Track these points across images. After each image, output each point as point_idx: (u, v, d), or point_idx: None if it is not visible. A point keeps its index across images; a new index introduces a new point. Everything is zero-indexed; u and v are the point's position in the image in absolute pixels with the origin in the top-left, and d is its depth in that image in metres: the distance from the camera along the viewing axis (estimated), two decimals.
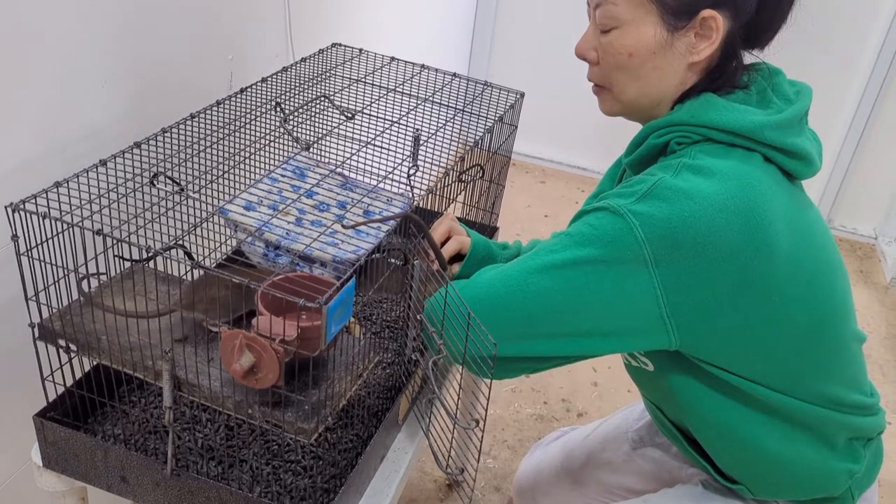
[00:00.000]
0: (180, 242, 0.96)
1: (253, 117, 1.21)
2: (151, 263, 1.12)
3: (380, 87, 1.38)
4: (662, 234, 0.86)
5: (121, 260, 1.01)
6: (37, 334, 0.97)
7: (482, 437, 0.97)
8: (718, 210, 0.86)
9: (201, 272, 1.00)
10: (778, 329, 0.94)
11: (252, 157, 1.20)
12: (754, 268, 0.88)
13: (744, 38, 0.96)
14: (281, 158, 1.32)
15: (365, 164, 1.33)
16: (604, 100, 1.03)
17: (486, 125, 1.34)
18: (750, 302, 0.91)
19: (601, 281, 0.89)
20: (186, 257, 1.00)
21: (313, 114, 1.36)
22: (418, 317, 1.01)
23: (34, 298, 0.93)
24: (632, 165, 1.03)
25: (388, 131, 1.27)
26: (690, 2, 0.91)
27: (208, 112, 1.17)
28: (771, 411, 1.00)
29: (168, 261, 0.90)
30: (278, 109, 1.25)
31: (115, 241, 0.88)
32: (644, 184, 0.89)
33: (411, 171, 1.30)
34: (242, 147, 1.17)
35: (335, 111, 1.29)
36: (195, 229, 0.98)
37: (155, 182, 1.03)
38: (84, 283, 0.97)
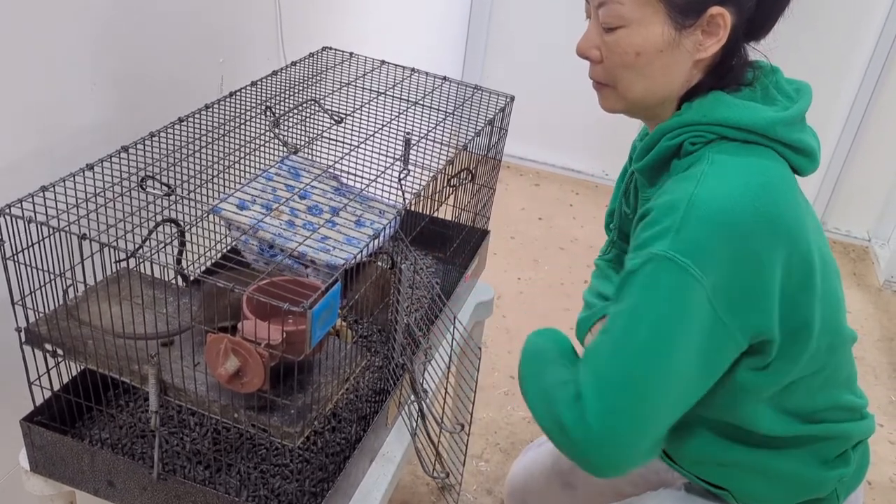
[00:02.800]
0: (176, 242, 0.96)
1: (242, 121, 1.21)
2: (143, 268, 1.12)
3: (370, 90, 1.38)
4: (714, 259, 0.85)
5: (114, 263, 1.01)
6: (23, 339, 0.97)
7: (468, 440, 0.97)
8: (753, 213, 0.86)
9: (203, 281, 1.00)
10: (807, 329, 0.95)
11: (241, 161, 1.20)
12: (793, 264, 0.90)
13: (744, 33, 0.96)
14: (270, 162, 1.32)
15: (355, 166, 1.33)
16: (606, 97, 1.01)
17: (475, 128, 1.34)
18: (796, 304, 0.92)
19: (690, 331, 0.87)
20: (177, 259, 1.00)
21: (303, 117, 1.36)
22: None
23: (20, 303, 0.93)
24: (643, 171, 1.02)
25: (377, 134, 1.27)
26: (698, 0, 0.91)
27: (197, 115, 1.17)
28: (766, 443, 1.01)
29: (158, 267, 0.90)
30: (268, 113, 1.26)
31: (101, 246, 0.88)
32: (675, 211, 0.87)
33: (402, 175, 1.30)
34: (231, 151, 1.17)
35: (324, 115, 1.29)
36: (189, 228, 0.98)
37: (144, 186, 1.03)
38: (69, 289, 0.97)
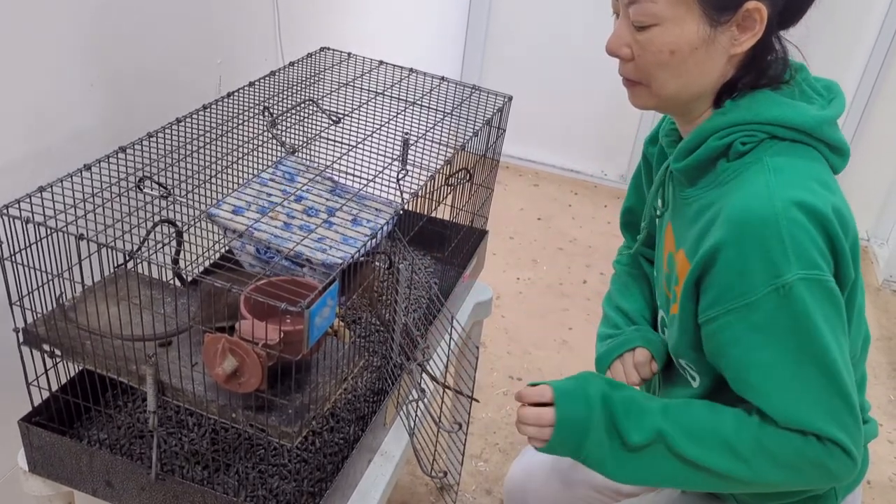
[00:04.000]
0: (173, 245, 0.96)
1: (240, 121, 1.21)
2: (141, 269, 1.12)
3: (368, 90, 1.38)
4: (825, 256, 0.88)
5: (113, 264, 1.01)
6: (21, 339, 0.97)
7: (465, 440, 0.97)
8: (828, 210, 0.88)
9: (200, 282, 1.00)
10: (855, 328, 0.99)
11: (239, 161, 1.20)
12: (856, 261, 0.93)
13: (776, 23, 0.94)
14: (268, 163, 1.32)
15: (354, 166, 1.33)
16: (638, 95, 1.00)
17: (473, 128, 1.34)
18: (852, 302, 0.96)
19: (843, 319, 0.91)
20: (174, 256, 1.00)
21: (301, 118, 1.37)
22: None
23: (18, 303, 0.93)
24: (685, 171, 1.00)
25: (376, 134, 1.28)
26: None
27: (195, 116, 1.17)
28: None
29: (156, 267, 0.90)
30: (266, 114, 1.26)
31: (99, 247, 0.88)
32: (774, 232, 0.87)
33: (401, 175, 1.31)
34: (228, 151, 1.17)
35: (322, 115, 1.29)
36: (186, 229, 0.98)
37: (141, 187, 1.03)
38: (63, 295, 0.97)
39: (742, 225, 0.88)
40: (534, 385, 0.99)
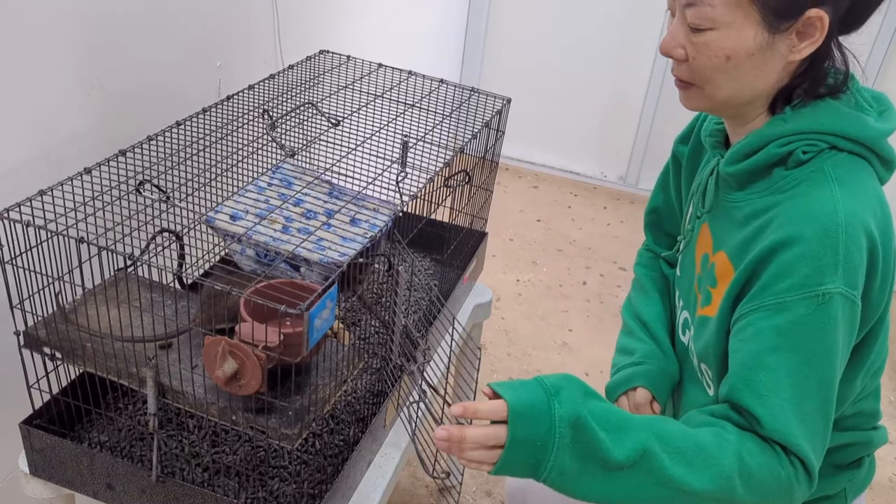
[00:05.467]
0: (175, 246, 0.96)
1: (239, 125, 1.22)
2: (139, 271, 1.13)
3: (367, 93, 1.39)
4: (862, 277, 0.89)
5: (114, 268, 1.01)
6: (22, 342, 0.98)
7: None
8: (883, 233, 0.90)
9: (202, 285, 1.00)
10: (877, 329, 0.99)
11: (238, 164, 1.20)
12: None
13: (837, 29, 0.93)
14: (267, 166, 1.32)
15: (353, 169, 1.33)
16: (691, 97, 0.98)
17: (472, 131, 1.35)
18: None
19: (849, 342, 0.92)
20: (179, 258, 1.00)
21: (300, 120, 1.37)
22: None
23: (19, 306, 0.93)
24: (737, 175, 0.98)
25: (375, 136, 1.28)
26: (795, 1, 0.87)
27: (194, 119, 1.18)
28: None
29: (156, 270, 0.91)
30: (265, 116, 1.26)
31: (99, 250, 0.88)
32: (832, 243, 0.87)
33: (400, 177, 1.31)
34: (228, 154, 1.18)
35: (322, 118, 1.29)
36: (186, 233, 0.99)
37: (141, 190, 1.03)
38: (62, 297, 0.97)
39: (802, 230, 0.88)
40: (493, 388, 0.85)
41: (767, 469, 0.87)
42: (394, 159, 1.30)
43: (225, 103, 1.24)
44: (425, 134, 1.31)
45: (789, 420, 0.87)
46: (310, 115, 1.37)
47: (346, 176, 1.33)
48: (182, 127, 1.15)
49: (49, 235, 0.90)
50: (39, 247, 0.90)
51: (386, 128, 1.31)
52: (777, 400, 0.88)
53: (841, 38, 0.94)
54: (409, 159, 1.33)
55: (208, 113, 1.20)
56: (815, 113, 0.93)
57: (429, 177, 1.17)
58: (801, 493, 0.90)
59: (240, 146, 1.20)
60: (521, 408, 0.83)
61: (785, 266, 0.88)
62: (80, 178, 0.99)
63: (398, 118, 1.34)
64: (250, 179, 1.24)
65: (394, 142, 1.32)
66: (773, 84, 0.94)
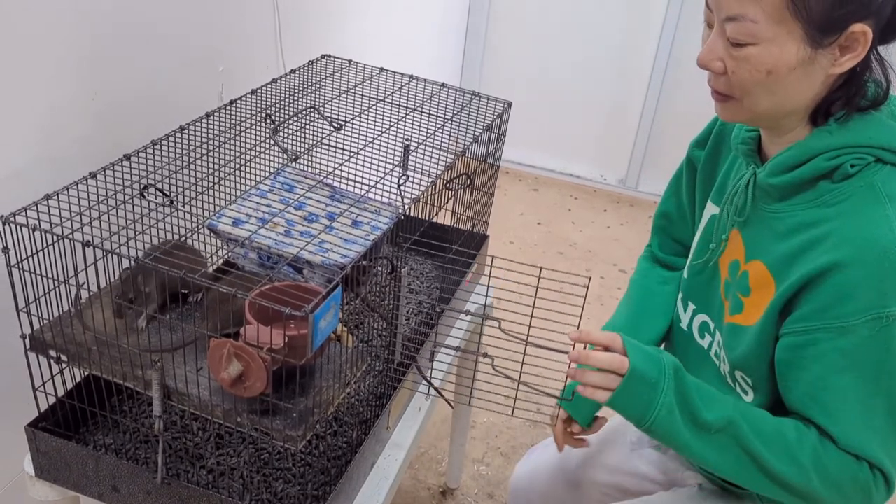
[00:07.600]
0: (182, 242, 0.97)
1: (242, 129, 1.22)
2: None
3: (369, 97, 1.39)
4: None
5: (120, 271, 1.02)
6: (28, 345, 0.98)
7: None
8: None
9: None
10: None
11: (241, 168, 1.21)
12: None
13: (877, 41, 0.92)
14: (270, 170, 1.33)
15: (355, 173, 1.34)
16: (729, 108, 0.97)
17: (474, 134, 1.36)
18: None
19: None
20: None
21: (303, 125, 1.38)
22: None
23: (25, 310, 0.94)
24: (781, 186, 0.97)
25: (377, 140, 1.29)
26: (839, 17, 0.85)
27: (198, 124, 1.18)
28: None
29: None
30: (268, 121, 1.27)
31: (105, 253, 0.89)
32: (889, 262, 0.87)
33: (402, 180, 1.32)
34: (231, 158, 1.18)
35: (324, 122, 1.30)
36: (190, 236, 0.99)
37: (145, 194, 1.04)
38: (78, 299, 0.98)
39: (861, 251, 0.88)
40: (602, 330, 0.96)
41: (846, 470, 0.92)
42: (396, 163, 1.31)
43: (228, 108, 1.25)
44: (427, 138, 1.32)
45: (862, 436, 0.92)
46: (312, 119, 1.38)
47: (348, 180, 1.34)
48: (186, 131, 1.16)
49: (55, 239, 0.90)
50: (45, 250, 0.91)
51: (388, 132, 1.32)
52: (847, 418, 0.92)
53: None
54: (410, 163, 1.34)
55: (211, 117, 1.21)
56: (863, 126, 0.92)
57: (431, 180, 1.18)
58: (882, 496, 0.94)
59: (242, 150, 1.21)
60: (636, 345, 0.97)
61: (846, 289, 0.89)
62: (85, 182, 1.00)
63: (400, 122, 1.35)
64: (253, 183, 1.25)
65: (395, 145, 1.33)
66: (812, 97, 0.93)
